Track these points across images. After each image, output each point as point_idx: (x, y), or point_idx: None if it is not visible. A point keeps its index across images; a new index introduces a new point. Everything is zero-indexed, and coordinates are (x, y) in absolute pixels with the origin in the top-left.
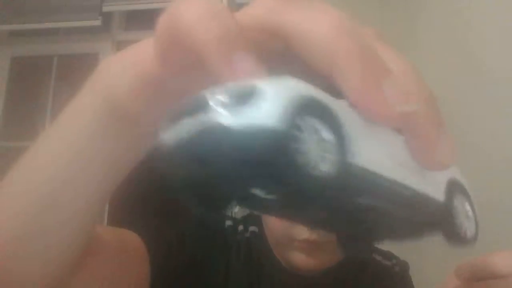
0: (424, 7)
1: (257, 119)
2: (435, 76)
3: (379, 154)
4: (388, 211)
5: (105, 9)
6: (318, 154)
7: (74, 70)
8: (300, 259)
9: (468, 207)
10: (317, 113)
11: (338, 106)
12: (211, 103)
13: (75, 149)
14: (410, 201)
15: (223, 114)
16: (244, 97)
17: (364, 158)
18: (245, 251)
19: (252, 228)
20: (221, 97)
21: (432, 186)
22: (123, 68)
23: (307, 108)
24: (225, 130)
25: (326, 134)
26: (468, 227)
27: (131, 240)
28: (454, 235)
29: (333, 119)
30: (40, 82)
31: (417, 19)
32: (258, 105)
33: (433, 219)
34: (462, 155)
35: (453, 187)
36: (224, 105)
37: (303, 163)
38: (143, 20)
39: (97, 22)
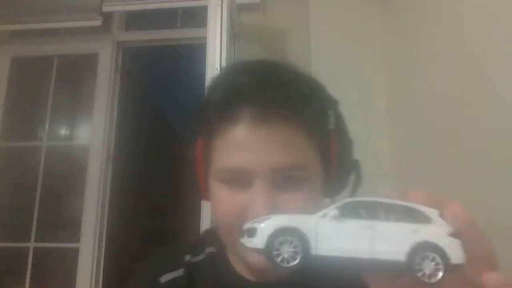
0: (425, 15)
1: (256, 244)
2: (435, 79)
3: (341, 243)
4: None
5: (105, 9)
6: (290, 255)
7: (74, 70)
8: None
9: (438, 259)
10: (287, 232)
11: (305, 224)
12: (244, 233)
13: None
14: (370, 267)
15: (247, 240)
16: (252, 232)
17: (326, 249)
18: (194, 277)
19: (209, 249)
20: (246, 231)
21: (395, 251)
22: None
23: (279, 233)
24: (248, 247)
25: (295, 241)
26: (433, 274)
27: None
28: (417, 280)
29: (297, 232)
30: (40, 82)
31: (418, 27)
32: (256, 236)
33: (396, 271)
34: (464, 159)
35: (419, 248)
36: (247, 235)
37: (281, 261)
38: (143, 20)
39: (97, 22)
